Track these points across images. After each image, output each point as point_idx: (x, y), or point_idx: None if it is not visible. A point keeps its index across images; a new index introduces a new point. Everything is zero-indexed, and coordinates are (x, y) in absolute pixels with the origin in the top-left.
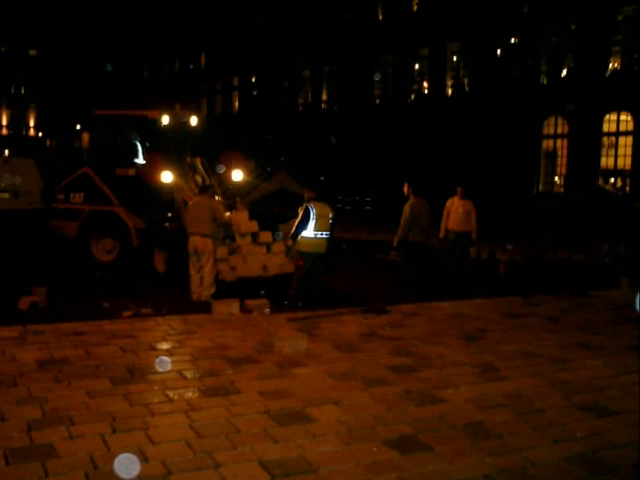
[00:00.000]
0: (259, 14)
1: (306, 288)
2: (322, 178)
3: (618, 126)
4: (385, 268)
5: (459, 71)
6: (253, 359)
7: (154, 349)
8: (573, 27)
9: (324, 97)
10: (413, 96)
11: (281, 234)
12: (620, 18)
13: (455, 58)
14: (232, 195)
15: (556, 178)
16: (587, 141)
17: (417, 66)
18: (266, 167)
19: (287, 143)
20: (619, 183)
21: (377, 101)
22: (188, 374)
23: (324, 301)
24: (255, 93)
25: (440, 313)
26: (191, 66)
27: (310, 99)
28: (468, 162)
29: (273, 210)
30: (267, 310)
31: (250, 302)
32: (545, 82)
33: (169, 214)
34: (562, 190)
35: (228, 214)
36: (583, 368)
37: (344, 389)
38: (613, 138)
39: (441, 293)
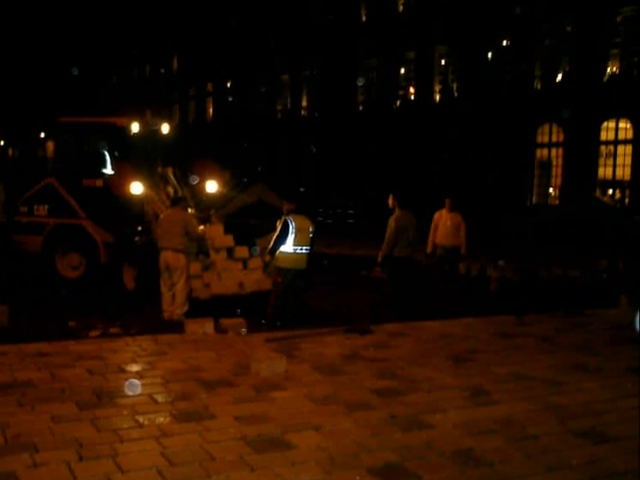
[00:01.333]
0: (234, 15)
1: (285, 306)
2: (302, 189)
3: (617, 134)
4: (369, 285)
5: (447, 75)
6: (228, 382)
7: (123, 371)
8: (569, 29)
9: (304, 103)
10: (399, 102)
11: (258, 249)
12: (619, 19)
13: (443, 62)
14: (206, 207)
15: (551, 189)
16: (584, 150)
17: (403, 70)
18: (242, 178)
19: (265, 152)
20: (618, 195)
21: (360, 107)
22: (159, 398)
23: (304, 320)
24: (230, 99)
25: (427, 333)
26: (162, 70)
27: (289, 105)
28: (457, 172)
29: (250, 223)
30: (243, 330)
31: (225, 321)
32: (539, 87)
33: (139, 228)
34: (557, 202)
35: (202, 228)
36: (579, 391)
37: (325, 414)
38: (611, 147)
39: (428, 312)
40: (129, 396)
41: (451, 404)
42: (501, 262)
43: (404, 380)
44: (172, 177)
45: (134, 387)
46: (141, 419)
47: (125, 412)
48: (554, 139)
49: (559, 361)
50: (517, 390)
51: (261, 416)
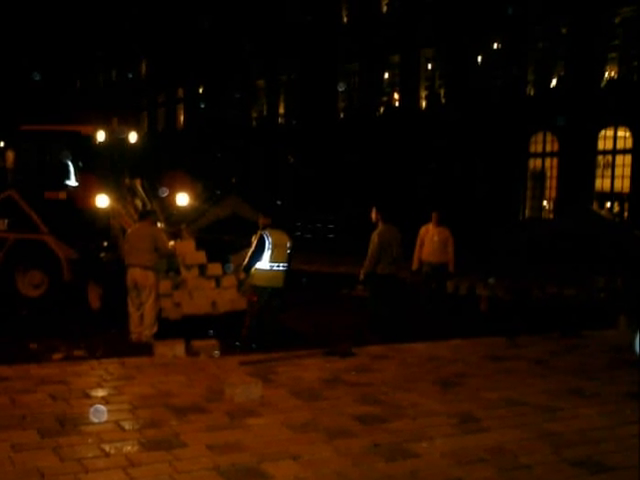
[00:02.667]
0: (206, 15)
1: (261, 327)
2: (279, 202)
3: (615, 143)
4: (350, 304)
5: (434, 81)
6: (200, 408)
7: (88, 397)
8: (564, 30)
9: (281, 110)
10: (382, 109)
11: (232, 266)
12: (617, 21)
13: (430, 66)
14: (177, 222)
15: (544, 202)
16: (580, 160)
17: (387, 75)
18: (215, 190)
19: (239, 162)
20: (616, 208)
21: (341, 115)
22: (126, 425)
23: (281, 342)
24: (203, 106)
25: (413, 356)
26: (130, 75)
27: (265, 113)
28: (444, 184)
29: (223, 239)
30: (216, 352)
31: (197, 343)
32: (532, 93)
33: (105, 243)
34: (551, 216)
35: (172, 243)
36: (575, 418)
37: (304, 442)
38: (609, 157)
39: (414, 333)
40: (94, 423)
41: (438, 431)
42: (491, 280)
43: (388, 406)
44: (140, 189)
45: (100, 413)
46: (107, 448)
47: (90, 440)
48: (548, 148)
49: (553, 386)
50: (509, 417)
51: (235, 444)
